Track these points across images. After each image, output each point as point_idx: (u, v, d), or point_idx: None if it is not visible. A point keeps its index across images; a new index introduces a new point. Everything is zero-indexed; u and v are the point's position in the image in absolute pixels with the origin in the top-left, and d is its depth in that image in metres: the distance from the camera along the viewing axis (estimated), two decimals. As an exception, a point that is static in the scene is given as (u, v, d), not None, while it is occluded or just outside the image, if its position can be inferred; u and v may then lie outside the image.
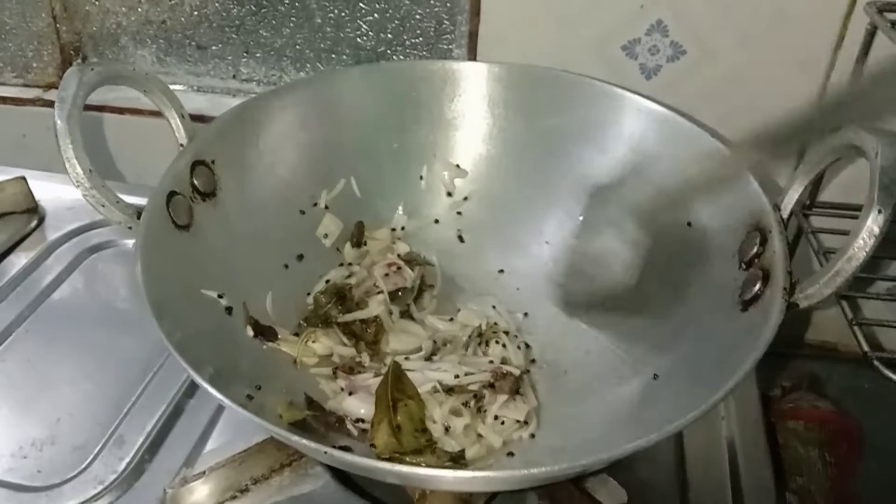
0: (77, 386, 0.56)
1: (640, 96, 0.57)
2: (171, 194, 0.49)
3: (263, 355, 0.51)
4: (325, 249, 0.59)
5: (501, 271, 0.60)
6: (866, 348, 0.52)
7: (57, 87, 0.77)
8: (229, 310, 0.49)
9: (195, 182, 0.51)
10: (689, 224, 0.53)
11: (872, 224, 0.40)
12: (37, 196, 0.72)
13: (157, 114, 0.53)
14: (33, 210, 0.71)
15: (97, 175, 0.46)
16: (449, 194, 0.62)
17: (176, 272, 0.47)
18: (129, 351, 0.58)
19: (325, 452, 0.35)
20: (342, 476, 0.49)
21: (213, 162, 0.52)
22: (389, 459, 0.43)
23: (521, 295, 0.58)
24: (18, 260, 0.67)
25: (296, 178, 0.58)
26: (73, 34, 0.79)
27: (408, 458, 0.43)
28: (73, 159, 0.44)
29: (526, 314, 0.57)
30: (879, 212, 0.40)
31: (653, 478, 0.50)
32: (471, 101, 0.61)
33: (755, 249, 0.46)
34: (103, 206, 0.46)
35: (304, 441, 0.36)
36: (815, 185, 0.64)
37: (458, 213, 0.62)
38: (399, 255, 0.57)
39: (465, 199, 0.62)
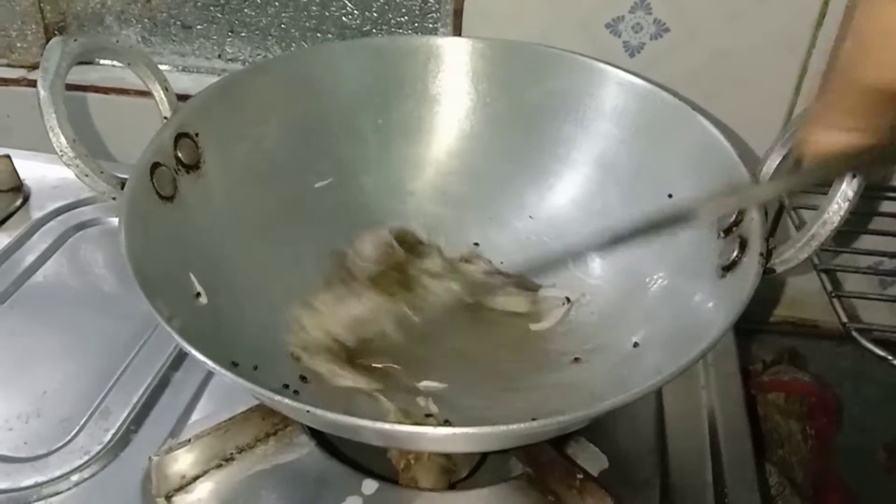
0: (62, 361, 0.56)
1: (621, 70, 0.57)
2: (155, 165, 0.49)
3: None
4: (310, 227, 0.59)
5: (476, 244, 0.60)
6: (845, 320, 0.52)
7: (41, 67, 0.78)
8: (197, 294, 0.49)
9: (179, 154, 0.51)
10: (670, 196, 0.53)
11: (847, 188, 0.41)
12: (22, 175, 0.72)
13: (141, 93, 0.53)
14: (18, 189, 0.71)
15: (81, 144, 0.46)
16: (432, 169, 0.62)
17: (160, 243, 0.47)
18: (114, 326, 0.58)
19: (308, 411, 0.36)
20: (327, 444, 0.49)
21: (196, 135, 0.53)
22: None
23: (504, 268, 0.59)
24: (3, 238, 0.66)
25: (279, 153, 0.58)
26: (58, 14, 0.79)
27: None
28: (57, 128, 0.44)
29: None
30: (854, 175, 0.40)
31: (633, 446, 0.51)
32: (454, 76, 0.62)
33: (733, 218, 0.47)
34: (87, 175, 0.46)
35: (287, 401, 0.36)
36: (798, 161, 0.65)
37: (441, 187, 0.62)
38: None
39: (447, 172, 0.62)
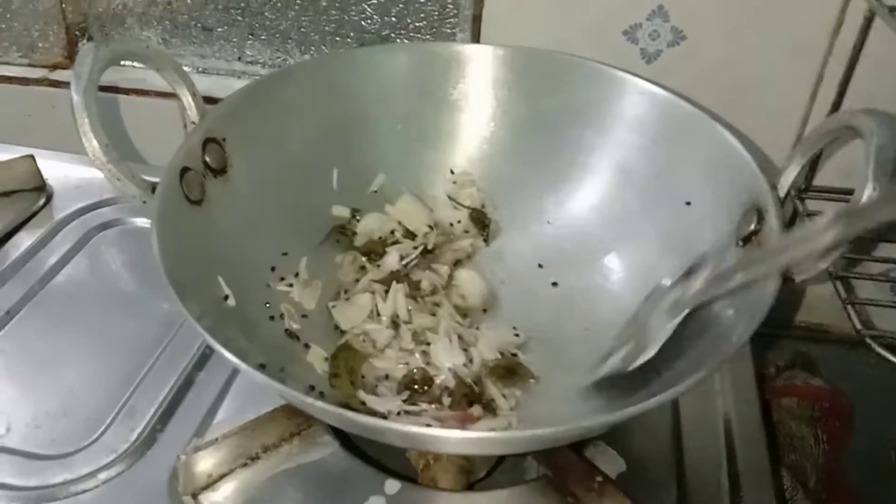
0: (88, 360, 0.57)
1: (641, 79, 0.58)
2: (185, 170, 0.49)
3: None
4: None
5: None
6: (859, 326, 0.53)
7: (62, 68, 0.79)
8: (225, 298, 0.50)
9: (207, 159, 0.52)
10: (688, 203, 0.54)
11: (868, 200, 0.41)
12: (44, 175, 0.72)
13: (161, 95, 0.54)
14: (41, 188, 0.72)
15: (113, 149, 0.47)
16: (452, 172, 0.63)
17: (189, 246, 0.48)
18: (137, 326, 0.59)
19: (334, 413, 0.36)
20: (350, 444, 0.50)
21: (223, 140, 0.53)
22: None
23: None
24: (27, 238, 0.68)
25: (302, 157, 0.59)
26: (79, 15, 0.80)
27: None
28: (90, 133, 0.45)
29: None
30: (874, 189, 0.41)
31: (650, 450, 0.52)
32: (475, 83, 0.62)
33: (752, 227, 0.48)
34: (119, 180, 0.47)
35: (319, 404, 0.37)
36: (811, 168, 0.66)
37: (460, 193, 0.63)
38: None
39: (468, 178, 0.63)
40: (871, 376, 0.71)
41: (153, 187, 0.47)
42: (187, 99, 0.52)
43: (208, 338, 0.39)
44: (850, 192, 0.51)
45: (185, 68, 0.78)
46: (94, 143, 0.45)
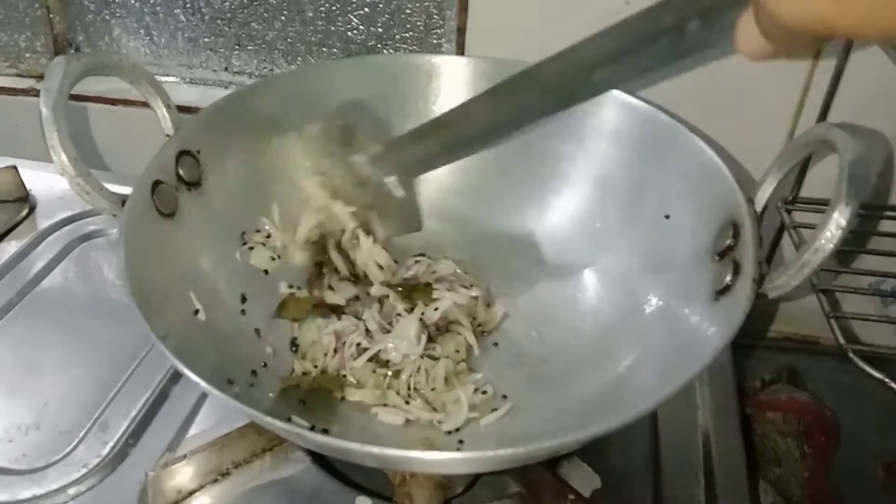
0: (64, 372, 0.57)
1: (621, 91, 0.57)
2: (156, 183, 0.49)
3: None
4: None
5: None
6: (842, 341, 0.52)
7: (49, 78, 0.79)
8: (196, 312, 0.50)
9: (180, 171, 0.51)
10: (667, 217, 0.54)
11: (839, 217, 0.41)
12: (28, 185, 0.72)
13: (144, 104, 0.54)
14: (24, 199, 0.72)
15: (82, 163, 0.46)
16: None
17: (160, 260, 0.48)
18: (116, 338, 0.59)
19: (297, 434, 0.36)
20: (323, 461, 0.50)
21: (198, 152, 0.53)
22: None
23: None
24: (9, 248, 0.67)
25: (279, 170, 0.59)
26: (66, 25, 0.80)
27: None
28: (59, 147, 0.45)
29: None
30: (846, 205, 0.40)
31: (627, 465, 0.51)
32: (456, 95, 0.62)
33: (728, 242, 0.47)
34: (88, 193, 0.46)
35: (282, 425, 0.37)
36: (798, 180, 0.65)
37: (440, 204, 0.62)
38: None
39: (447, 190, 0.62)
40: (859, 389, 0.70)
41: (123, 200, 0.47)
42: (162, 111, 0.52)
43: (170, 356, 0.39)
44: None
45: (172, 79, 0.80)
46: (64, 156, 0.45)
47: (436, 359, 0.51)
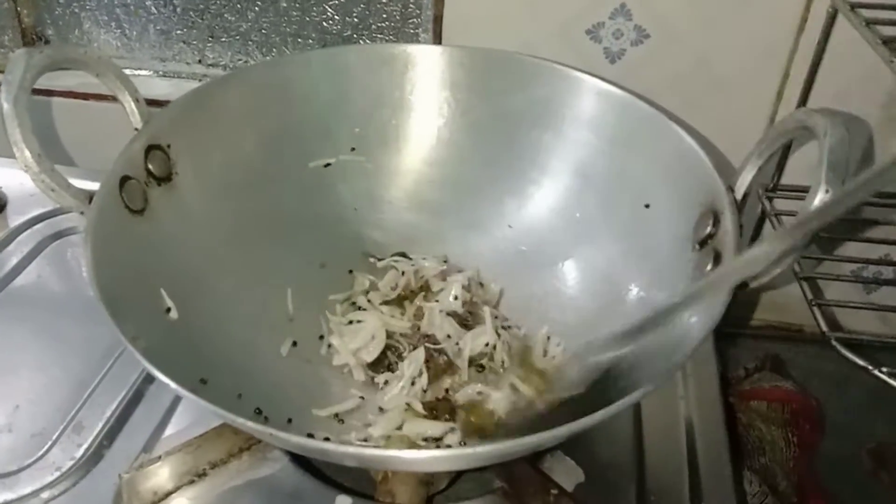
0: (37, 372, 0.56)
1: (599, 79, 0.57)
2: (125, 178, 0.48)
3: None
4: (286, 238, 0.59)
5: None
6: (825, 328, 0.52)
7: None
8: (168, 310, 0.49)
9: (150, 166, 0.50)
10: (647, 206, 0.53)
11: (820, 203, 0.40)
12: (-1, 183, 0.71)
13: (112, 98, 0.52)
14: (-6, 197, 0.70)
15: (46, 159, 0.45)
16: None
17: (129, 258, 0.46)
18: (90, 337, 0.58)
19: (271, 434, 0.35)
20: (302, 460, 0.49)
21: (168, 146, 0.52)
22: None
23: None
24: (-20, 246, 0.66)
25: (254, 163, 0.58)
26: (35, 18, 0.78)
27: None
28: (21, 143, 0.44)
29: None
30: (826, 191, 0.40)
31: (611, 457, 0.51)
32: (432, 85, 0.61)
33: (708, 230, 0.47)
34: (53, 190, 0.45)
35: (250, 424, 0.36)
36: (779, 167, 0.65)
37: (419, 196, 0.62)
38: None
39: (426, 181, 0.62)
40: (844, 376, 0.70)
41: (91, 197, 0.46)
42: (130, 105, 0.51)
43: (140, 357, 0.38)
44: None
45: (145, 72, 0.79)
46: (27, 152, 0.44)
47: None
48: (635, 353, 0.47)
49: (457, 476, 0.49)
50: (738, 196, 0.47)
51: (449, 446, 0.44)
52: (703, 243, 0.47)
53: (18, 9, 0.77)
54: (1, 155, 0.70)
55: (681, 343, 0.42)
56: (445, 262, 0.58)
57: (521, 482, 0.47)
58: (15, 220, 0.69)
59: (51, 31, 0.79)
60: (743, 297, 0.42)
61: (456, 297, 0.53)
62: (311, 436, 0.44)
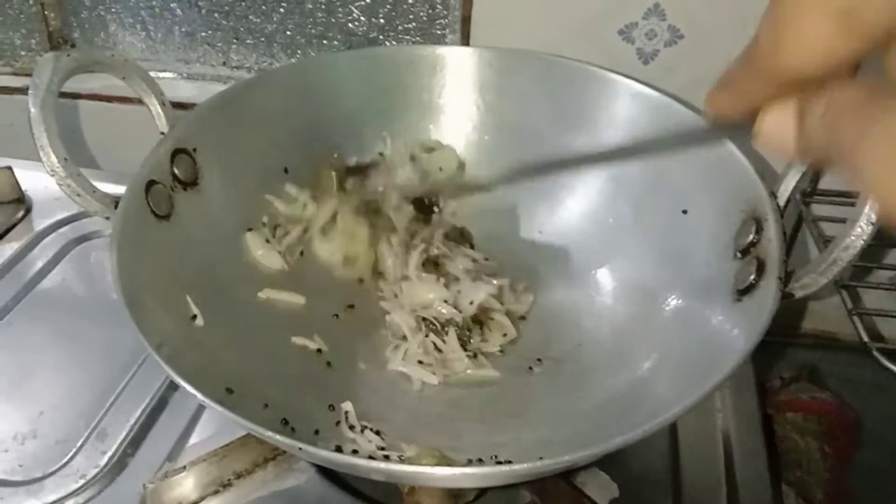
0: (61, 378, 0.55)
1: (634, 81, 0.55)
2: (151, 183, 0.47)
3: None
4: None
5: (487, 259, 0.58)
6: (866, 338, 0.51)
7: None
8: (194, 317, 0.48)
9: (175, 171, 0.49)
10: (684, 212, 0.52)
11: (870, 211, 0.38)
12: (24, 186, 0.71)
13: (138, 101, 0.52)
14: (20, 200, 0.70)
15: (72, 163, 0.45)
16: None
17: (155, 264, 0.46)
18: (114, 342, 0.57)
19: (300, 448, 0.34)
20: (327, 471, 0.48)
21: (194, 150, 0.51)
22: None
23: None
24: (5, 250, 0.65)
25: (282, 167, 0.57)
26: (62, 21, 0.78)
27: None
28: (48, 147, 0.43)
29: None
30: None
31: (646, 472, 0.49)
32: (461, 86, 0.60)
33: (750, 238, 0.45)
34: (79, 195, 0.44)
35: (278, 437, 0.35)
36: (816, 172, 0.63)
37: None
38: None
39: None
40: (881, 386, 0.68)
41: (116, 202, 0.45)
42: (156, 108, 0.50)
43: (165, 367, 0.37)
44: (857, 195, 0.48)
45: (169, 74, 0.78)
46: (53, 157, 0.43)
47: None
48: (672, 365, 0.46)
49: (485, 489, 0.48)
50: (781, 202, 0.46)
51: (480, 460, 0.42)
52: (745, 251, 0.45)
53: (45, 12, 0.77)
54: (25, 158, 0.71)
55: (722, 355, 0.40)
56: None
57: (553, 497, 0.45)
58: (40, 224, 0.69)
59: (77, 34, 0.79)
60: (781, 307, 0.41)
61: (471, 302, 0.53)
62: (339, 449, 0.42)
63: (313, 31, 0.73)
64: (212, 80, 0.77)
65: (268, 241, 0.54)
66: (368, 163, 0.58)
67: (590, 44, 0.62)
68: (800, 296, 0.41)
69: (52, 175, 0.44)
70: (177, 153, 0.50)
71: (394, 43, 0.70)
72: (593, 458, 0.37)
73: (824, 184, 0.63)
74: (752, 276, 0.43)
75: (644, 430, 0.35)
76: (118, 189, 0.47)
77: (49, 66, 0.44)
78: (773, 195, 0.46)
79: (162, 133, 0.51)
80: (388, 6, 0.69)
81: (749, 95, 0.27)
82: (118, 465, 0.49)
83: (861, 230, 0.39)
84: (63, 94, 0.46)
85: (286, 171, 0.57)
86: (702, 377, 0.39)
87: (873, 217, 0.38)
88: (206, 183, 0.52)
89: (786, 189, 0.46)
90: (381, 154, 0.60)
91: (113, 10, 0.76)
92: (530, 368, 0.52)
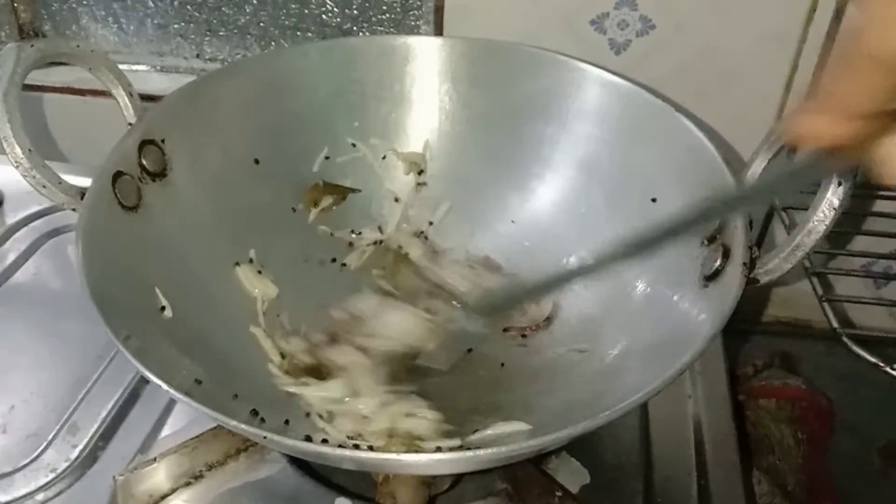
0: (32, 372, 0.55)
1: (604, 70, 0.55)
2: (118, 174, 0.47)
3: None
4: (284, 234, 0.58)
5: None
6: (836, 324, 0.51)
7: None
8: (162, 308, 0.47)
9: (143, 162, 0.49)
10: (653, 200, 0.52)
11: (832, 196, 0.39)
12: (-6, 180, 0.70)
13: (106, 93, 0.51)
14: (-10, 194, 0.69)
15: (37, 154, 0.44)
16: (413, 172, 0.61)
17: (122, 255, 0.45)
18: (86, 336, 0.57)
19: (266, 437, 0.34)
20: (300, 462, 0.48)
21: (162, 141, 0.51)
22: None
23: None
24: (-25, 244, 0.65)
25: (251, 157, 0.57)
26: (32, 14, 0.77)
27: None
28: (12, 139, 0.43)
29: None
30: (839, 183, 0.39)
31: (617, 458, 0.50)
32: (433, 77, 0.60)
33: (716, 225, 0.45)
34: (44, 187, 0.44)
35: (247, 427, 0.35)
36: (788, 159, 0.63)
37: (420, 191, 0.61)
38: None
39: (428, 176, 0.60)
40: (854, 373, 0.68)
41: (83, 193, 0.45)
42: (123, 99, 0.50)
43: (132, 359, 0.37)
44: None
45: (143, 67, 0.77)
46: (17, 148, 0.43)
47: None
48: (640, 351, 0.46)
49: (459, 477, 0.48)
50: (747, 189, 0.46)
51: (453, 448, 0.43)
52: (711, 238, 0.45)
53: (15, 4, 0.76)
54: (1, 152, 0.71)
55: (689, 340, 0.41)
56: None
57: (524, 484, 0.45)
58: (12, 217, 0.68)
59: (48, 27, 0.78)
60: (751, 293, 0.41)
61: None
62: (308, 438, 0.43)
63: (287, 22, 0.72)
64: (185, 72, 0.77)
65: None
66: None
67: (562, 34, 0.62)
68: (765, 281, 0.42)
69: (17, 167, 0.44)
70: (145, 144, 0.49)
71: (367, 34, 0.70)
72: (560, 442, 0.37)
73: (795, 172, 0.64)
74: (718, 263, 0.43)
75: (608, 414, 0.35)
76: (86, 182, 0.47)
77: (12, 57, 0.44)
78: (740, 181, 0.46)
79: (130, 124, 0.50)
80: (361, -3, 0.69)
81: (853, 103, 0.24)
82: (89, 458, 0.49)
83: (823, 215, 0.39)
84: (30, 88, 0.46)
85: (257, 161, 0.57)
86: (668, 361, 0.39)
87: (836, 202, 0.39)
88: (174, 174, 0.51)
89: (752, 176, 0.46)
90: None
91: (85, 2, 0.75)
92: (502, 365, 0.52)
